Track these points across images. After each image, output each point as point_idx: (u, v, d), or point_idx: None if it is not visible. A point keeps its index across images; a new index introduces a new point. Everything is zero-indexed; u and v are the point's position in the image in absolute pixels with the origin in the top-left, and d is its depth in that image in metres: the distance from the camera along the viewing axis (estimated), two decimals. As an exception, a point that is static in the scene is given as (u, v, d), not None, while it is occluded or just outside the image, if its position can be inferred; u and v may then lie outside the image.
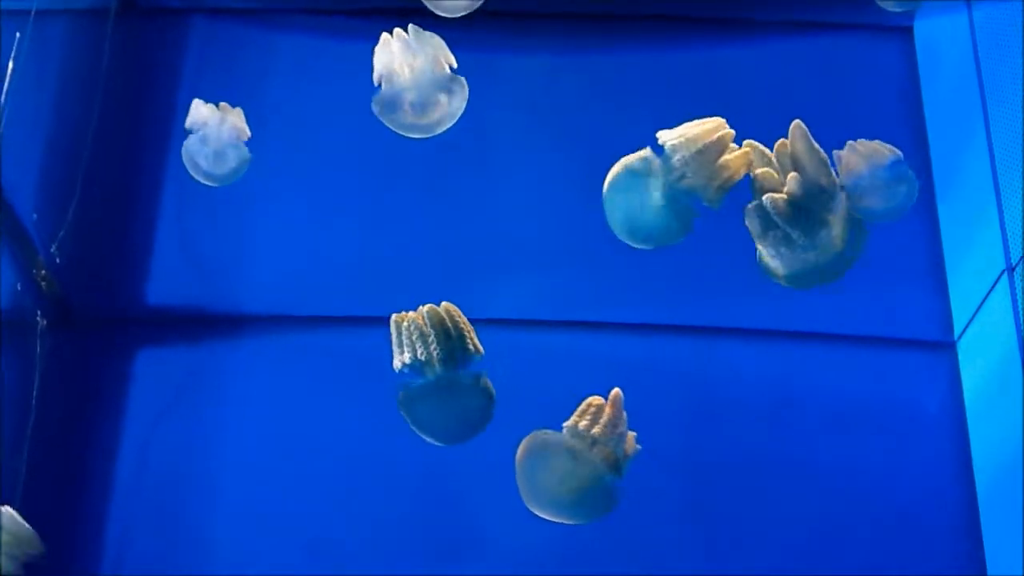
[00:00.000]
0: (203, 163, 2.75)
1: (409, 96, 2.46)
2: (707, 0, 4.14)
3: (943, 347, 3.67)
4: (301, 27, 4.19)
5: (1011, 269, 3.31)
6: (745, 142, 2.16)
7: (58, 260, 3.62)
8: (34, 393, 3.43)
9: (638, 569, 3.43)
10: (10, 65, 3.22)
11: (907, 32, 4.14)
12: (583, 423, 2.17)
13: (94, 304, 3.83)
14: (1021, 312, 3.22)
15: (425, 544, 3.51)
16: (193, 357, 3.81)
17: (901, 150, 4.26)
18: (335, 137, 4.01)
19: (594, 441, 2.16)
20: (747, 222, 2.12)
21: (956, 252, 3.71)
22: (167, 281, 3.86)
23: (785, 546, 3.44)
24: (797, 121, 2.11)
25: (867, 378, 3.65)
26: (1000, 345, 3.32)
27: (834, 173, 2.11)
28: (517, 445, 2.44)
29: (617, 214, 2.25)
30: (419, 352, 2.19)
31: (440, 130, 2.55)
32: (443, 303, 2.27)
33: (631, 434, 2.22)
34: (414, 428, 2.35)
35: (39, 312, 3.53)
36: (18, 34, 3.24)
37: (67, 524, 3.52)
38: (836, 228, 2.08)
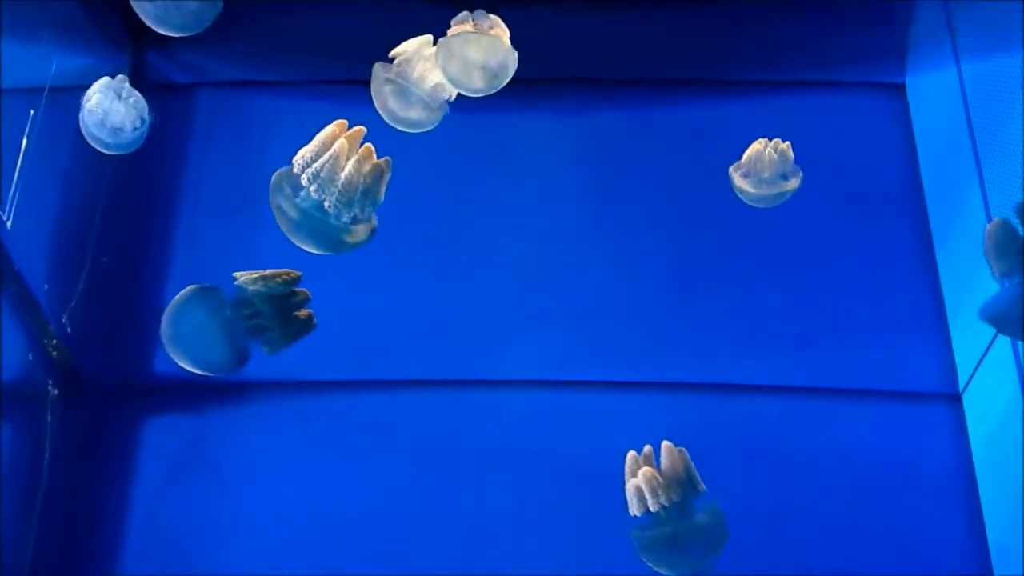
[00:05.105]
0: (98, 131, 2.80)
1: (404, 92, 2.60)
2: (702, 62, 4.22)
3: (949, 399, 3.68)
4: (306, 98, 4.25)
5: (1011, 319, 3.33)
6: None
7: (69, 330, 3.65)
8: (45, 461, 3.43)
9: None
10: (23, 142, 3.28)
11: (900, 89, 4.20)
12: None
13: (104, 373, 3.85)
14: (1023, 361, 3.24)
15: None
16: (202, 424, 3.82)
17: (898, 205, 4.29)
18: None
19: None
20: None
21: (957, 304, 3.73)
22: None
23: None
24: None
25: (874, 432, 3.65)
26: (1005, 395, 3.32)
27: None
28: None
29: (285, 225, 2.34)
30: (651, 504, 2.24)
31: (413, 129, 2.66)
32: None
33: None
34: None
35: (50, 381, 3.55)
36: (32, 111, 3.32)
37: (77, 593, 3.51)
38: None
